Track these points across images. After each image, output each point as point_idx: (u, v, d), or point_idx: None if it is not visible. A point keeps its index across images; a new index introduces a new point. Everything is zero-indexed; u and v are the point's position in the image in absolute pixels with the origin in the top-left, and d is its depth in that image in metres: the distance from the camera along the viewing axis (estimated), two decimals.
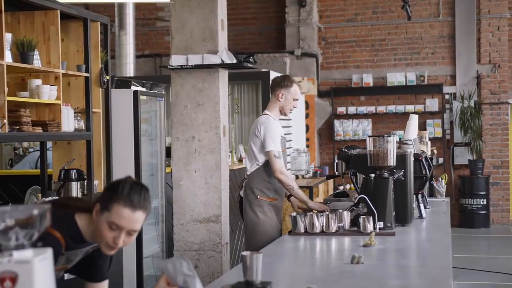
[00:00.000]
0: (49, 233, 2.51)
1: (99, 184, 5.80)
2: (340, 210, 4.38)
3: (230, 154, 8.09)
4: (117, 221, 2.52)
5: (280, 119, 5.31)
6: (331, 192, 11.00)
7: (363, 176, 4.55)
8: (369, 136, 4.44)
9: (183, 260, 2.50)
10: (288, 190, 5.15)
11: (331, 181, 11.07)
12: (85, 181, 5.53)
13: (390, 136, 4.41)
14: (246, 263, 2.73)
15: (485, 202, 12.16)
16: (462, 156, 12.50)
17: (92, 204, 2.64)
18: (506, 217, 12.54)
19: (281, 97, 5.25)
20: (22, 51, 4.76)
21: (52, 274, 1.80)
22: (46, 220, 1.78)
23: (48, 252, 1.78)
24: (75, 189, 5.38)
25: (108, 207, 2.53)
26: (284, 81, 5.28)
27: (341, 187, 12.20)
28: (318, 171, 10.98)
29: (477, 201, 12.14)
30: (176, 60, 5.83)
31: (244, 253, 2.74)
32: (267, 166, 5.17)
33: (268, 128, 5.12)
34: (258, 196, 5.18)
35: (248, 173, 5.29)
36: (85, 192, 5.56)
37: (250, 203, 5.21)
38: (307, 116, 12.35)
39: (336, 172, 5.22)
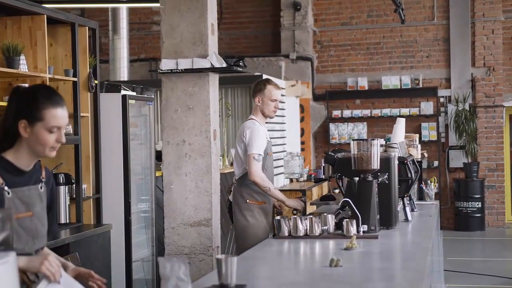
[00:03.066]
0: None
1: (87, 188, 5.82)
2: (325, 214, 4.40)
3: (221, 157, 8.11)
4: (56, 123, 2.67)
5: (272, 122, 5.38)
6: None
7: (348, 179, 4.56)
8: (353, 140, 4.46)
9: (182, 263, 2.55)
10: (265, 192, 5.22)
11: (325, 185, 11.09)
12: (73, 185, 5.55)
13: (374, 139, 4.42)
14: (221, 267, 2.76)
15: (480, 205, 12.17)
16: (457, 159, 12.51)
17: (10, 135, 2.68)
18: (501, 220, 12.54)
19: (259, 101, 5.37)
20: (8, 56, 4.78)
21: (16, 278, 1.82)
22: (9, 224, 1.80)
23: (11, 256, 1.80)
24: (63, 194, 5.39)
25: (39, 117, 2.66)
26: (258, 85, 5.41)
27: (337, 191, 12.23)
28: (313, 175, 11.00)
29: (472, 204, 12.15)
30: (166, 64, 5.85)
31: (219, 256, 2.77)
32: None
33: (253, 132, 5.22)
34: (248, 200, 5.25)
35: (236, 178, 5.37)
36: (74, 196, 5.57)
37: (239, 207, 5.27)
38: (302, 119, 12.38)
39: (323, 176, 5.25)
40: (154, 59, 13.11)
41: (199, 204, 5.81)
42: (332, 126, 12.86)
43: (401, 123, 5.48)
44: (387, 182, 4.52)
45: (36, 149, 2.69)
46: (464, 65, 12.55)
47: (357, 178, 4.40)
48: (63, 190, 5.40)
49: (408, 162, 5.01)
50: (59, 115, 2.69)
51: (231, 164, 8.13)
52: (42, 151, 2.70)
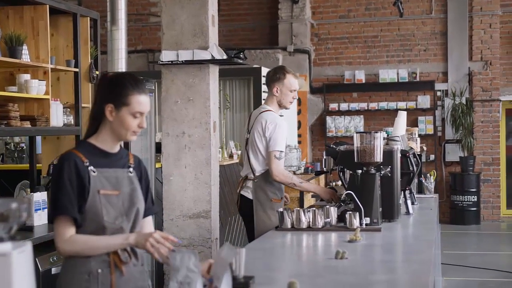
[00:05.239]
0: (65, 152, 2.84)
1: None
2: (327, 206, 4.40)
3: (220, 150, 8.11)
4: (140, 109, 2.81)
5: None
6: None
7: (350, 172, 4.56)
8: (356, 132, 4.45)
9: (193, 254, 2.56)
10: (292, 188, 5.02)
11: (322, 177, 11.10)
12: None
13: (377, 132, 4.42)
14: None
15: (476, 199, 12.21)
16: (454, 153, 12.54)
17: (96, 120, 2.84)
18: (496, 214, 12.59)
19: (277, 91, 5.10)
20: (11, 46, 4.76)
21: (32, 267, 1.82)
22: (25, 213, 1.80)
23: (27, 245, 1.80)
24: None
25: (125, 102, 2.80)
26: (277, 74, 5.12)
27: (333, 183, 12.25)
28: (310, 167, 11.01)
29: (468, 197, 12.19)
30: (166, 55, 5.84)
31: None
32: None
33: (277, 127, 4.97)
34: (272, 199, 5.04)
35: (257, 174, 5.08)
36: None
37: (262, 206, 5.05)
38: (299, 112, 12.38)
39: (325, 168, 5.22)
40: (151, 51, 13.09)
41: (198, 196, 5.82)
42: (329, 119, 12.87)
43: (402, 116, 5.48)
44: (389, 175, 4.53)
45: (119, 132, 2.83)
46: (461, 59, 12.57)
47: (360, 171, 4.40)
48: None
49: (410, 155, 5.02)
50: (143, 102, 2.83)
51: (230, 156, 8.13)
52: (124, 135, 2.84)
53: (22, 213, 1.78)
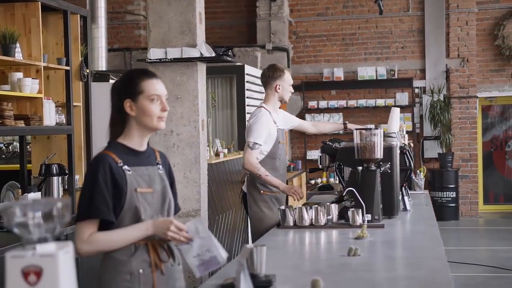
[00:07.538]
0: (98, 154, 2.82)
1: (80, 179, 5.73)
2: (328, 203, 4.39)
3: (207, 148, 8.06)
4: (154, 91, 2.81)
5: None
6: (304, 186, 11.07)
7: (350, 169, 4.55)
8: (356, 129, 4.45)
9: (199, 223, 2.69)
10: (258, 179, 5.13)
11: (304, 175, 11.12)
12: (66, 176, 5.45)
13: (377, 129, 4.42)
14: (251, 256, 2.73)
15: (454, 195, 12.31)
16: (432, 150, 12.63)
17: (119, 123, 2.83)
18: (474, 210, 12.71)
19: (278, 88, 5.26)
20: (4, 44, 4.66)
21: (74, 267, 1.77)
22: (68, 213, 1.75)
23: (70, 246, 1.76)
24: (56, 184, 5.30)
25: (139, 91, 2.80)
26: (276, 72, 5.28)
27: (313, 181, 12.27)
28: (292, 165, 11.02)
29: (446, 193, 12.28)
30: (154, 53, 5.79)
31: (249, 246, 2.73)
32: (267, 160, 5.13)
33: (257, 120, 5.12)
34: (262, 191, 5.17)
35: None
36: (66, 187, 5.48)
37: (254, 198, 5.19)
38: None
39: (320, 166, 5.22)
40: (128, 49, 12.97)
41: (188, 195, 5.79)
42: (308, 117, 12.86)
43: (396, 112, 5.47)
44: (389, 171, 4.53)
45: (145, 122, 2.80)
46: (439, 56, 12.66)
47: (360, 168, 4.39)
48: (56, 181, 5.30)
49: (407, 151, 5.03)
50: (156, 85, 2.83)
51: (217, 155, 8.08)
52: (151, 123, 2.81)
53: (66, 213, 1.74)
